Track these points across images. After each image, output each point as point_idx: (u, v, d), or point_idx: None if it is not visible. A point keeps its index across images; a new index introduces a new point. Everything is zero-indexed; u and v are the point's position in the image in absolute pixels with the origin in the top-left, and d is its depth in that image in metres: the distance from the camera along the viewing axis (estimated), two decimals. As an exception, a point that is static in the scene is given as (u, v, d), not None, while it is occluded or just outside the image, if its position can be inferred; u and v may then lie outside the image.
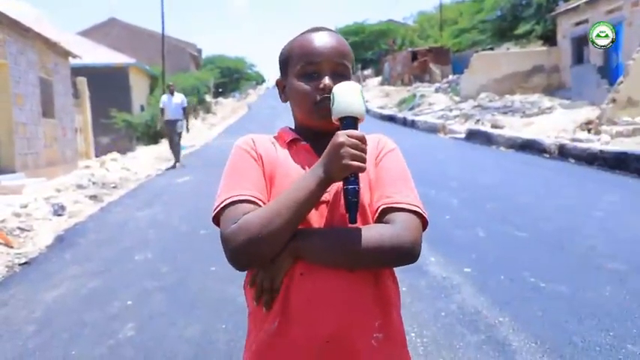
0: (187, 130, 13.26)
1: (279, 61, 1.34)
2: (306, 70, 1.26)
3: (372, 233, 1.14)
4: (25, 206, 7.41)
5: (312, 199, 1.14)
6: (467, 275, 4.22)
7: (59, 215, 7.27)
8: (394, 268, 1.27)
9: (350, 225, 1.15)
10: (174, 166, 12.34)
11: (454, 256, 4.72)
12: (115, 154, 15.45)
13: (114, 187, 9.82)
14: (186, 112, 12.99)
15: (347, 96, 1.16)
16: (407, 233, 1.15)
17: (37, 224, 6.67)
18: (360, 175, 1.20)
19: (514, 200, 6.92)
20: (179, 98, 12.65)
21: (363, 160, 1.11)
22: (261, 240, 1.12)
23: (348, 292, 1.15)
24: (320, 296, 1.14)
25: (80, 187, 9.66)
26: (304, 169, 1.23)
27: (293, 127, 1.36)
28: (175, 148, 12.49)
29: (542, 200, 6.84)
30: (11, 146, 11.17)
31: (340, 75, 1.26)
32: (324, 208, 1.18)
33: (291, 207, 1.12)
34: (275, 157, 1.27)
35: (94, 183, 10.05)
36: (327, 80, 1.23)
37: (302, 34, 1.32)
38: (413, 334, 3.23)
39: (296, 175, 1.21)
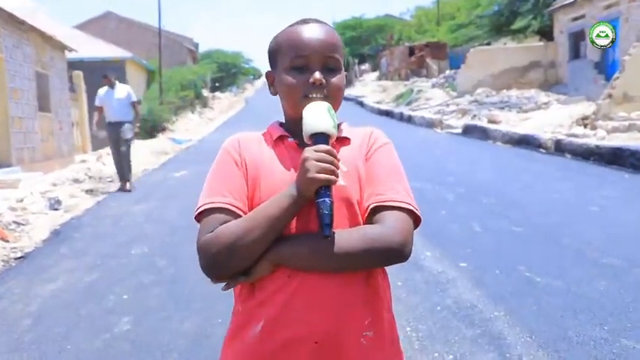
0: (131, 136, 9.06)
1: (268, 53, 1.32)
2: (295, 64, 1.22)
3: (357, 236, 1.13)
4: (21, 200, 7.39)
5: (286, 217, 1.13)
6: (462, 270, 4.23)
7: (55, 209, 7.26)
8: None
9: (337, 229, 1.13)
10: (123, 189, 8.86)
11: (450, 250, 4.73)
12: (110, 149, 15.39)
13: (110, 182, 9.80)
14: (137, 110, 9.22)
15: (314, 115, 1.16)
16: (395, 233, 1.12)
17: (33, 218, 6.66)
18: (350, 172, 1.19)
19: (510, 195, 6.93)
20: (123, 91, 9.01)
21: (332, 172, 1.09)
22: (234, 253, 1.12)
23: (337, 292, 1.13)
24: (309, 297, 1.13)
25: (76, 181, 9.65)
26: (289, 168, 1.21)
27: (283, 121, 1.34)
28: (123, 161, 8.91)
29: (538, 195, 6.86)
30: (7, 140, 11.13)
31: (331, 69, 1.23)
32: (308, 212, 1.14)
33: (265, 223, 1.12)
34: (260, 158, 1.25)
35: (90, 177, 10.05)
36: (317, 75, 1.20)
37: (291, 25, 1.29)
38: (408, 329, 3.24)
39: (280, 175, 1.20)
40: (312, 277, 1.13)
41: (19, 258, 5.25)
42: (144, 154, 13.94)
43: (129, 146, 9.01)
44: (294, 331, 1.13)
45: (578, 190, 7.10)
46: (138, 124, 9.08)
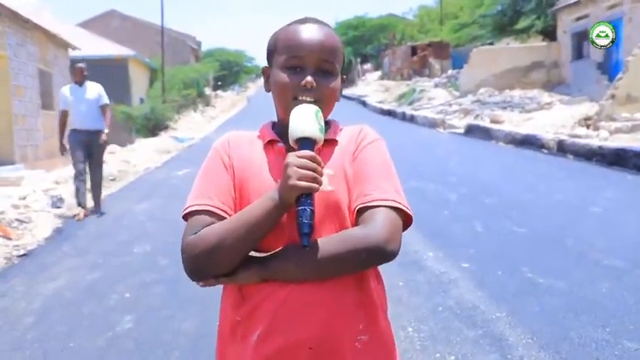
0: (104, 149, 7.26)
1: (267, 49, 1.30)
2: (289, 63, 1.21)
3: (340, 240, 1.11)
4: (24, 198, 7.40)
5: (269, 220, 1.11)
6: (465, 270, 4.23)
7: (58, 207, 7.27)
8: (378, 267, 1.23)
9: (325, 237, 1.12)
10: (95, 210, 7.00)
11: (452, 251, 4.73)
12: (113, 147, 15.43)
13: (113, 180, 9.81)
14: (106, 113, 7.14)
15: (301, 118, 1.13)
16: (378, 232, 1.10)
17: (35, 216, 6.67)
18: (336, 174, 1.18)
19: (512, 195, 6.92)
20: (94, 91, 7.04)
21: (314, 180, 1.07)
22: (216, 254, 1.12)
23: (328, 298, 1.13)
24: (299, 304, 1.12)
25: (79, 179, 9.63)
26: (276, 174, 1.19)
27: (276, 121, 1.32)
28: (94, 180, 7.07)
29: (541, 196, 6.85)
30: (10, 138, 11.15)
31: (325, 72, 1.21)
32: (292, 222, 1.11)
33: (248, 226, 1.11)
34: (249, 160, 1.24)
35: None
36: (309, 78, 1.18)
37: (290, 24, 1.27)
38: (410, 329, 3.24)
39: (269, 178, 1.19)
40: (302, 285, 1.12)
41: (22, 256, 5.26)
42: (147, 152, 13.94)
43: (99, 162, 7.18)
44: (287, 338, 1.12)
45: (580, 191, 7.08)
46: (106, 131, 7.07)
